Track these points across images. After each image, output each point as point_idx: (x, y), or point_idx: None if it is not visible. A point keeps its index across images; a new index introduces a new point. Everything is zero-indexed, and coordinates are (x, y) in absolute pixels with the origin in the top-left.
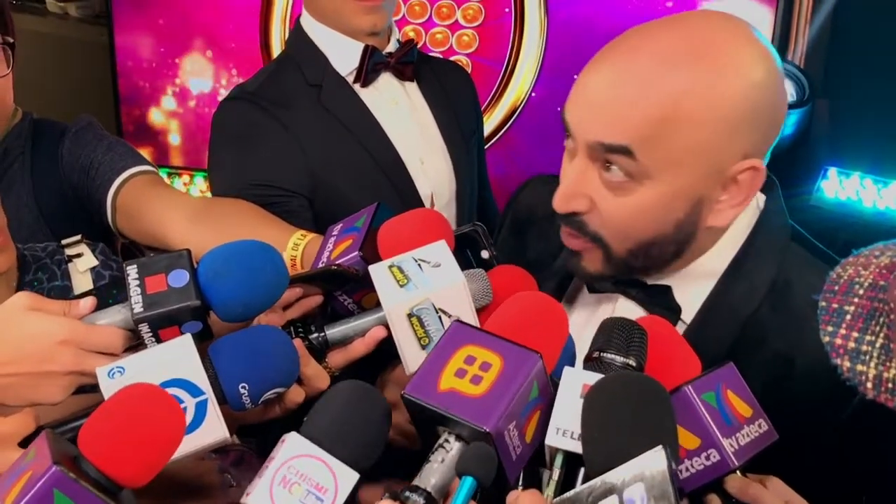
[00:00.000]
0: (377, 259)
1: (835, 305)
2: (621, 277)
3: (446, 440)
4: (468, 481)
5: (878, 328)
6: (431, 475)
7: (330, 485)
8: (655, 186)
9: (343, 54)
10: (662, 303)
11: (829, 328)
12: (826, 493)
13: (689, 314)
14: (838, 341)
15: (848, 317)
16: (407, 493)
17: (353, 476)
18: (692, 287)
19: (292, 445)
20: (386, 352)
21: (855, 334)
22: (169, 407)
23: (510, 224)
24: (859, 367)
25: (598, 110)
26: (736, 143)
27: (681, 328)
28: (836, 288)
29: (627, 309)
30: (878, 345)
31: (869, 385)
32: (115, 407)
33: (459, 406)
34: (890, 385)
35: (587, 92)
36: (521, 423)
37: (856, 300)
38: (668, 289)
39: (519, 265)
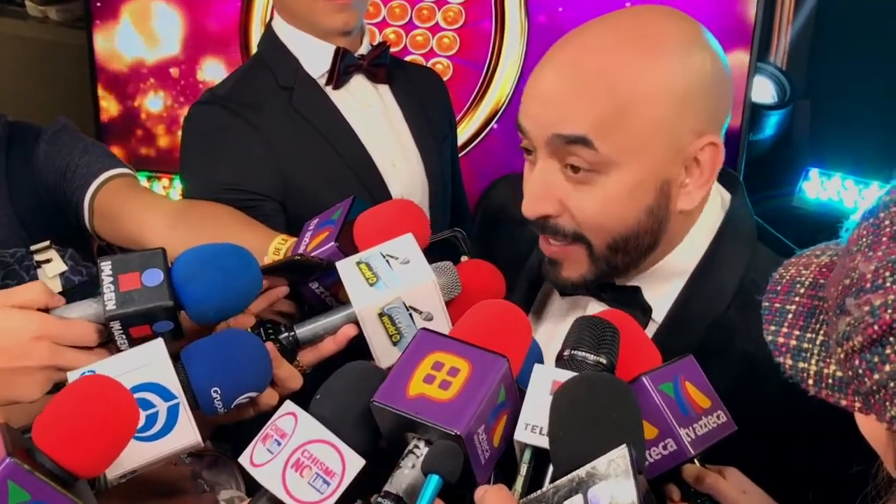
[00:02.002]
0: (354, 250)
1: (777, 305)
2: (601, 282)
3: (416, 446)
4: (434, 479)
5: (817, 326)
6: (403, 480)
7: (338, 470)
8: (620, 174)
9: (314, 56)
10: (633, 303)
11: (772, 327)
12: (793, 488)
13: (658, 314)
14: (780, 340)
15: (790, 315)
16: (379, 500)
17: (359, 462)
18: (661, 286)
19: (307, 429)
20: (356, 347)
21: (796, 332)
22: (121, 396)
23: (480, 224)
24: (801, 365)
25: (551, 105)
26: (688, 118)
27: (652, 328)
28: (779, 288)
29: (597, 310)
30: (818, 342)
31: (811, 381)
32: (67, 398)
33: (429, 411)
34: (830, 381)
35: (537, 91)
36: (490, 426)
37: (797, 299)
38: (637, 289)
39: None
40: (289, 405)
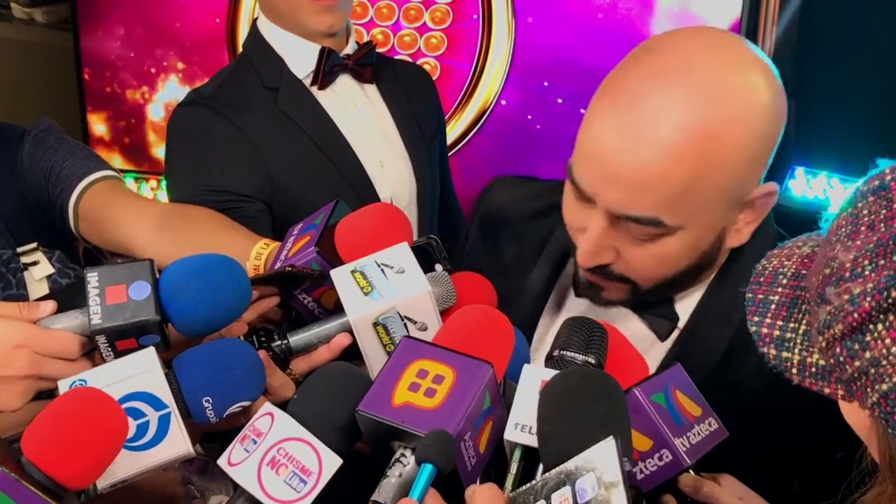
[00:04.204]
0: (335, 255)
1: (760, 296)
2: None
3: (402, 454)
4: (427, 468)
5: (800, 315)
6: (390, 490)
7: (315, 468)
8: (683, 234)
9: (299, 56)
10: (661, 311)
11: (756, 318)
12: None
13: (682, 320)
14: (764, 330)
15: (773, 306)
16: None
17: (336, 461)
18: (685, 294)
19: (283, 427)
20: (349, 355)
21: (779, 323)
22: (110, 409)
23: (479, 226)
24: (784, 354)
25: (623, 183)
26: (756, 172)
27: (674, 333)
28: (762, 279)
29: (621, 314)
30: (800, 331)
31: (794, 371)
32: (57, 409)
33: (416, 419)
34: (813, 370)
35: (604, 156)
36: (476, 433)
37: (780, 290)
38: (670, 299)
39: (495, 268)
40: (267, 406)
